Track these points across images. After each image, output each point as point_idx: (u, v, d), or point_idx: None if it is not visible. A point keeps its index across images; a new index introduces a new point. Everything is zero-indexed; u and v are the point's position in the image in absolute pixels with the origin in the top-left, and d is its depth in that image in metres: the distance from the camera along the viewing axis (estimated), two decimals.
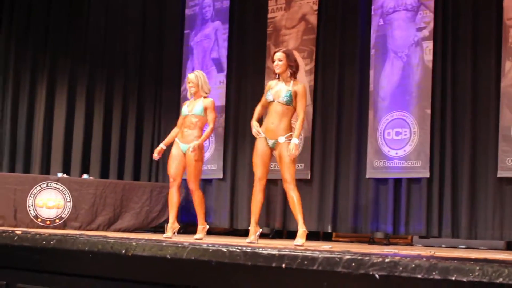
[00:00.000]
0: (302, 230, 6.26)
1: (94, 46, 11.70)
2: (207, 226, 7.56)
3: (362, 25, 9.04)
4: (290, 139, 6.34)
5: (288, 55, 6.49)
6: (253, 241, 6.30)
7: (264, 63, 9.71)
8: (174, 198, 7.47)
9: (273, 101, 6.45)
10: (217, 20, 10.48)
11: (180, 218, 10.04)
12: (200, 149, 7.40)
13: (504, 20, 7.91)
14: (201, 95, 7.48)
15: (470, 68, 8.21)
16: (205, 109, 7.41)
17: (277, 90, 6.47)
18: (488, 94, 8.05)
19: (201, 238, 7.10)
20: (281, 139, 6.36)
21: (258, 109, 6.74)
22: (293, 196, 6.34)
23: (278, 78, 6.55)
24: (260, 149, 6.50)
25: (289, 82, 6.45)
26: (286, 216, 9.16)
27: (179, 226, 7.57)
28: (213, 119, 7.44)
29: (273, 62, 6.53)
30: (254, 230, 6.45)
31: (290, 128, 6.43)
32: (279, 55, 6.50)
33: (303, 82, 6.68)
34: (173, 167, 7.47)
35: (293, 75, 6.48)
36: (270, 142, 6.43)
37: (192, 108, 7.46)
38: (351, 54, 9.15)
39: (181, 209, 10.10)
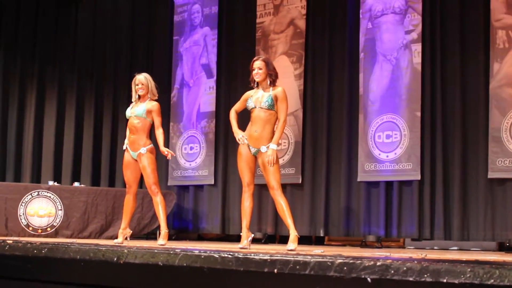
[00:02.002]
0: (293, 234, 6.24)
1: (83, 54, 11.69)
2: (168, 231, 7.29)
3: (350, 29, 9.06)
4: (272, 146, 6.33)
5: (267, 63, 6.44)
6: (245, 247, 6.28)
7: None
8: (129, 205, 7.38)
9: (255, 107, 6.41)
10: (206, 26, 10.48)
11: (172, 224, 10.05)
12: (150, 151, 7.27)
13: (491, 22, 7.94)
14: (149, 97, 7.28)
15: (459, 70, 8.24)
16: (149, 112, 7.19)
17: (257, 97, 6.41)
18: (477, 96, 8.08)
19: (164, 244, 6.87)
20: (263, 149, 6.30)
21: (235, 116, 6.69)
22: (281, 202, 6.31)
23: (257, 86, 6.53)
24: (244, 154, 6.47)
25: (269, 89, 6.41)
26: (278, 220, 9.14)
27: (131, 232, 7.48)
28: (161, 122, 7.26)
29: (253, 70, 6.48)
30: (246, 235, 6.42)
31: (272, 137, 6.37)
32: (258, 63, 6.45)
33: (283, 86, 6.59)
34: (128, 174, 7.33)
35: (273, 83, 6.43)
36: (253, 150, 6.39)
37: (135, 110, 7.25)
38: (340, 58, 9.16)
39: (173, 215, 10.11)
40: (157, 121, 7.25)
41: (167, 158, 7.58)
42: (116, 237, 7.56)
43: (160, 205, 7.18)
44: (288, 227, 6.32)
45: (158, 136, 7.28)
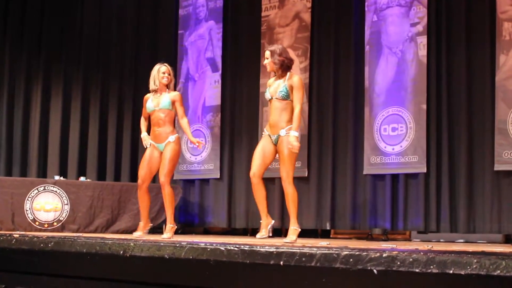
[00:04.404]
0: (292, 228, 6.20)
1: (88, 49, 11.68)
2: (175, 226, 7.33)
3: (356, 22, 9.04)
4: (293, 133, 6.29)
5: (273, 52, 6.40)
6: (263, 236, 6.25)
7: (259, 62, 9.70)
8: (145, 199, 7.41)
9: (272, 98, 6.41)
10: (211, 19, 10.47)
11: (178, 218, 10.06)
12: (177, 143, 7.30)
13: (497, 14, 7.92)
14: (168, 88, 7.32)
15: (465, 62, 8.22)
16: (173, 103, 7.24)
17: (274, 87, 6.41)
18: (483, 88, 8.06)
19: (170, 237, 6.84)
20: (282, 132, 6.26)
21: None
22: (288, 193, 6.29)
23: (275, 75, 6.54)
24: (262, 144, 6.44)
25: (285, 77, 6.38)
26: (284, 214, 9.15)
27: (151, 225, 7.53)
28: (184, 112, 7.34)
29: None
30: (265, 223, 6.37)
31: (291, 121, 6.32)
32: (266, 53, 6.47)
33: (299, 75, 6.57)
34: (145, 169, 7.33)
35: (287, 69, 6.40)
36: (273, 138, 6.37)
37: (158, 102, 7.24)
38: (345, 51, 9.14)
39: (179, 209, 10.12)
40: (181, 111, 7.30)
41: (198, 148, 7.61)
42: (126, 232, 7.60)
43: (168, 198, 7.19)
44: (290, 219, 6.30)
45: (185, 126, 7.35)
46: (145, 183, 7.38)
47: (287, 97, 6.30)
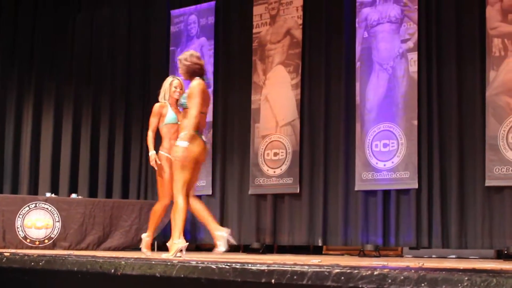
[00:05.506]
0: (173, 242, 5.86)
1: (80, 65, 11.70)
2: None
3: (346, 38, 9.08)
4: (179, 143, 5.85)
5: (180, 60, 6.09)
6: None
7: (250, 78, 9.73)
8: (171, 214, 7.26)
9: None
10: (203, 36, 10.49)
11: (169, 234, 10.01)
12: None
13: (487, 30, 7.96)
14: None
15: (455, 78, 8.26)
16: None
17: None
18: (474, 104, 8.09)
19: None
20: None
21: None
22: (174, 204, 5.95)
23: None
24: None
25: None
26: (276, 230, 9.17)
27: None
28: None
29: None
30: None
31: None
32: (178, 63, 6.15)
33: (199, 80, 6.00)
34: (166, 181, 6.91)
35: (194, 74, 6.00)
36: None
37: (177, 116, 6.90)
38: (336, 67, 9.17)
39: (171, 225, 10.07)
40: None
41: None
42: (117, 249, 7.47)
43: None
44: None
45: None
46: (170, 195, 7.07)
47: (185, 104, 5.94)
